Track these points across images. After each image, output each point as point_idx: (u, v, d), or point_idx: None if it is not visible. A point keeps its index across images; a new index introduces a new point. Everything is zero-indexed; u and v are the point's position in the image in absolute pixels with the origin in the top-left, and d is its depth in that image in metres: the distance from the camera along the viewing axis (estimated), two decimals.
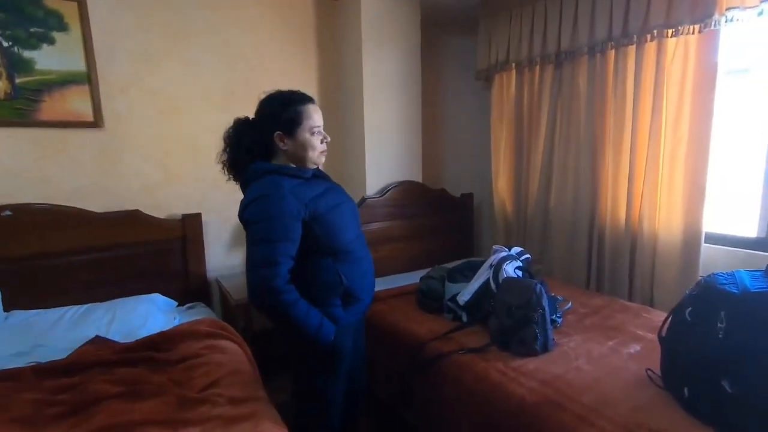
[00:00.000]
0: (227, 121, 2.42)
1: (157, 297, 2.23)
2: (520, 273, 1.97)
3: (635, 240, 2.22)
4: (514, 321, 1.69)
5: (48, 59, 1.99)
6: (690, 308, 1.28)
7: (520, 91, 2.74)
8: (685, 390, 1.28)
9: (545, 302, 1.68)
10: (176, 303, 2.29)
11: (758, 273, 1.27)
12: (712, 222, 2.06)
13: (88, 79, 2.07)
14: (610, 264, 2.35)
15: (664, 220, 2.10)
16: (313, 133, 1.35)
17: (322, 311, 1.34)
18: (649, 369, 1.46)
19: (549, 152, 2.60)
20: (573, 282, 2.55)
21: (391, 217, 2.78)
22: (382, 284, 2.50)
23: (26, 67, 1.94)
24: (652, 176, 2.09)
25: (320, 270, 1.36)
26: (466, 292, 2.00)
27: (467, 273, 2.14)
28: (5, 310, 1.93)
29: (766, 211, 1.92)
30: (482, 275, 2.01)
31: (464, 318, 1.98)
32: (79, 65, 2.05)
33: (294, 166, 1.39)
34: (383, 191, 2.76)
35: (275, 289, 1.23)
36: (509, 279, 1.82)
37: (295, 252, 1.28)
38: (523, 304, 1.68)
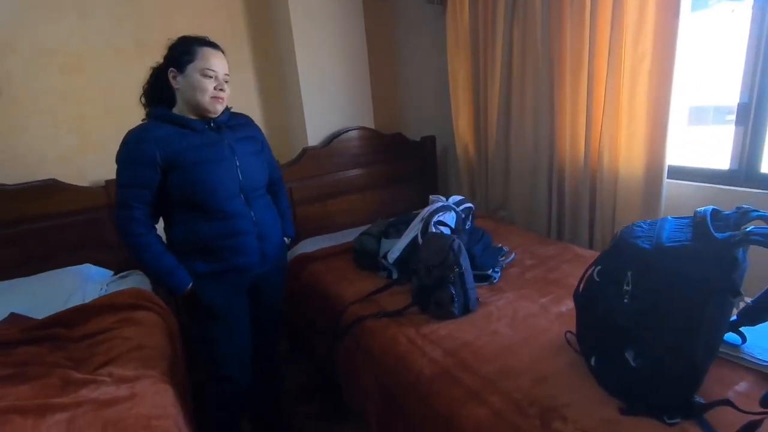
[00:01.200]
0: (143, 76, 2.25)
1: (89, 268, 2.15)
2: (451, 225, 1.76)
3: (595, 179, 1.96)
4: (432, 281, 1.51)
5: None
6: (599, 267, 1.07)
7: (475, 15, 2.37)
8: (593, 359, 1.10)
9: (463, 260, 1.49)
10: (111, 273, 2.22)
11: (685, 220, 1.03)
12: (679, 154, 1.77)
13: None
14: (571, 207, 2.10)
15: (624, 154, 1.81)
16: (205, 75, 1.28)
17: (182, 260, 1.34)
18: (570, 331, 1.28)
19: (507, 84, 2.27)
20: (535, 228, 2.33)
21: (339, 167, 2.57)
22: (330, 241, 2.35)
23: None
24: (613, 101, 1.78)
25: (178, 221, 1.34)
26: (395, 249, 1.82)
27: (401, 227, 1.96)
28: None
29: (741, 138, 1.61)
30: (412, 230, 1.82)
31: (394, 275, 1.82)
32: None
33: (184, 115, 1.33)
34: (328, 141, 2.53)
35: (128, 232, 1.28)
36: (429, 235, 1.63)
37: (151, 198, 1.29)
38: (439, 263, 1.49)
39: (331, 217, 2.57)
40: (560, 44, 1.97)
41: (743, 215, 0.96)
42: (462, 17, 2.44)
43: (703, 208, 0.98)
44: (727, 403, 0.91)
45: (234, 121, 1.45)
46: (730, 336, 1.15)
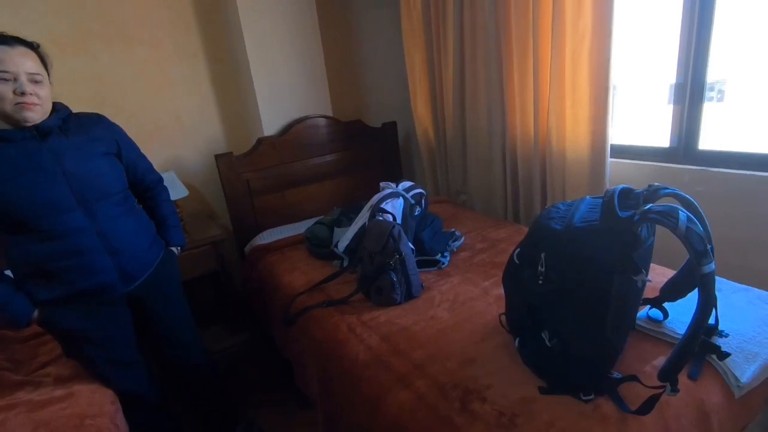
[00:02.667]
0: (88, 70, 2.19)
1: None
2: (399, 212, 1.75)
3: (545, 160, 1.96)
4: (374, 268, 1.51)
5: None
6: (519, 249, 1.07)
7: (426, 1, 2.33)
8: (516, 340, 1.11)
9: (403, 246, 1.49)
10: None
11: (599, 201, 1.03)
12: (622, 133, 1.78)
13: None
14: (524, 189, 2.11)
15: (570, 134, 1.81)
16: None
17: (23, 288, 1.21)
18: (504, 313, 1.29)
19: (460, 68, 2.25)
20: (493, 211, 2.34)
21: (297, 157, 2.53)
22: (289, 231, 2.34)
23: None
24: (558, 82, 1.77)
25: (10, 245, 1.20)
26: (344, 238, 1.82)
27: (353, 216, 1.95)
28: None
29: (678, 117, 1.62)
30: (361, 218, 1.81)
31: (345, 264, 1.82)
32: None
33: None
34: (285, 130, 2.49)
35: None
36: (373, 222, 1.62)
37: None
38: (380, 249, 1.49)
39: (291, 207, 2.55)
40: (506, 27, 1.95)
41: (653, 193, 0.97)
42: (415, 1, 2.40)
43: (614, 187, 0.99)
44: (634, 378, 0.93)
45: (74, 122, 1.26)
46: (654, 312, 1.17)
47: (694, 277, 0.92)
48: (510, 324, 1.19)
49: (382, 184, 1.92)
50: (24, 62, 1.11)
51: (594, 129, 1.73)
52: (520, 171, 2.09)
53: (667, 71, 1.63)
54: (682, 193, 0.96)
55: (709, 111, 1.58)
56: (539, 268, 0.98)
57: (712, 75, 1.54)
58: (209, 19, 2.41)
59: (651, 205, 0.87)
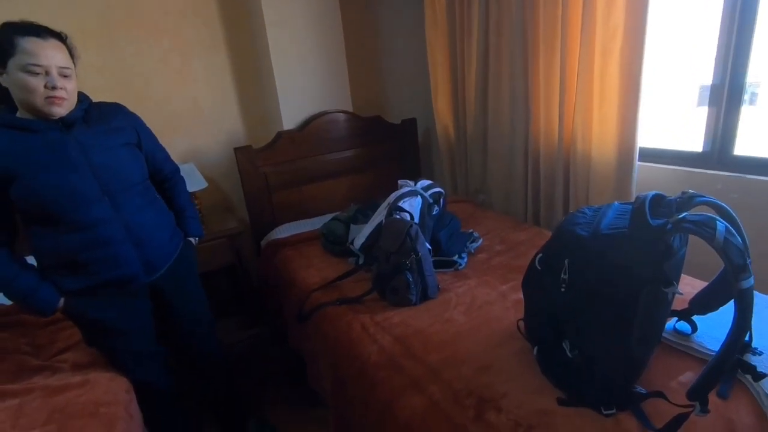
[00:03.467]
0: (111, 60, 2.21)
1: None
2: (417, 211, 1.72)
3: (568, 161, 1.90)
4: (390, 268, 1.49)
5: None
6: (540, 254, 1.03)
7: None
8: (535, 349, 1.07)
9: (420, 246, 1.46)
10: None
11: (628, 207, 0.98)
12: (652, 136, 1.71)
13: None
14: (545, 190, 2.05)
15: (597, 135, 1.75)
16: (29, 72, 1.07)
17: (49, 277, 1.23)
18: (522, 319, 1.25)
19: (483, 64, 2.20)
20: (512, 212, 2.29)
21: (315, 152, 2.52)
22: (305, 227, 2.33)
23: None
24: (585, 80, 1.70)
25: (36, 236, 1.21)
26: (361, 235, 1.80)
27: (369, 213, 1.93)
28: None
29: (713, 120, 1.54)
30: (378, 216, 1.79)
31: (361, 262, 1.80)
32: None
33: (23, 116, 1.15)
34: (304, 124, 2.48)
35: None
36: (389, 221, 1.59)
37: None
38: (396, 249, 1.47)
39: (308, 202, 2.54)
40: (533, 20, 1.89)
41: (687, 200, 0.92)
42: None
43: (645, 193, 0.94)
44: (660, 395, 0.89)
45: (94, 113, 1.25)
46: (682, 325, 1.12)
47: (727, 291, 0.87)
48: (528, 331, 1.15)
49: (400, 181, 1.89)
50: (55, 55, 1.11)
51: (622, 130, 1.66)
52: (542, 172, 2.03)
53: (699, 72, 1.55)
54: (719, 202, 0.90)
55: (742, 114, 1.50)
56: (562, 275, 0.94)
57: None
58: (232, 10, 2.40)
59: (685, 213, 0.82)
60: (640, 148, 1.65)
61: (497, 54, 2.12)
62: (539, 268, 1.02)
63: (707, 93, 2.13)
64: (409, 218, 1.56)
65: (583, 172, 1.84)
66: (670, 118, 1.88)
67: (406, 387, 1.11)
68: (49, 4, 2.04)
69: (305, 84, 2.44)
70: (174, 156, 2.38)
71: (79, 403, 1.23)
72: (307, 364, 1.73)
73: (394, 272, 1.46)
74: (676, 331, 1.11)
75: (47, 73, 1.10)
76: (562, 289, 0.94)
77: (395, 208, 1.61)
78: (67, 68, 1.15)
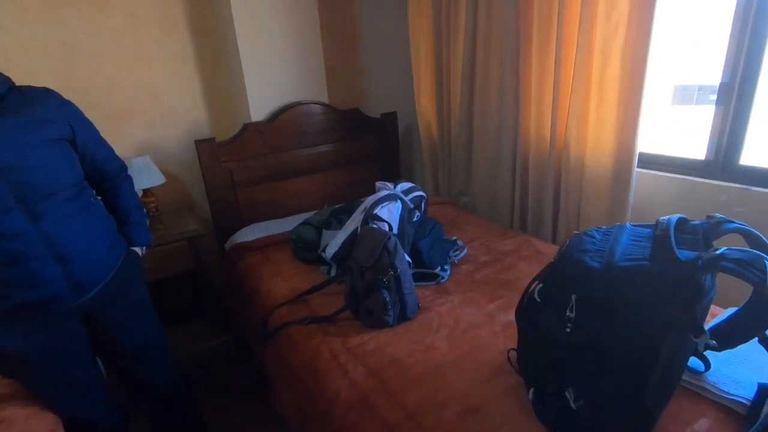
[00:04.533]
0: (54, 36, 1.94)
1: None
2: (396, 217, 1.55)
3: (560, 165, 1.76)
4: (365, 285, 1.32)
5: None
6: (541, 284, 0.88)
7: None
8: (531, 391, 0.92)
9: (399, 262, 1.29)
10: None
11: (646, 231, 0.84)
12: (652, 141, 1.58)
13: None
14: (534, 196, 1.91)
15: (592, 139, 1.61)
16: None
17: None
18: (514, 349, 1.10)
19: (470, 56, 2.03)
20: (497, 217, 2.15)
21: (287, 146, 2.31)
22: (274, 228, 2.13)
23: None
24: (582, 79, 1.56)
25: None
26: (333, 243, 1.62)
27: (344, 217, 1.75)
28: None
29: (719, 125, 1.42)
30: (353, 222, 1.61)
31: (332, 272, 1.62)
32: None
33: None
34: (274, 116, 2.27)
35: None
36: (365, 230, 1.42)
37: None
38: (372, 264, 1.29)
39: (277, 201, 2.34)
40: (527, 14, 1.73)
41: (715, 227, 0.78)
42: None
43: (667, 217, 0.79)
44: None
45: (15, 100, 1.04)
46: (694, 362, 0.99)
47: (753, 327, 0.73)
48: (523, 368, 1.00)
49: (378, 184, 1.71)
50: None
51: (621, 135, 1.53)
52: (531, 177, 1.89)
53: (674, 70, 1.43)
54: (752, 230, 0.76)
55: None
56: (568, 312, 0.79)
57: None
58: None
59: (724, 249, 0.67)
60: (639, 153, 1.52)
61: (486, 46, 1.95)
62: (539, 300, 0.87)
63: (683, 92, 2.04)
64: (387, 228, 1.38)
65: (576, 178, 1.70)
66: (660, 121, 1.75)
67: None
68: None
69: (276, 71, 2.22)
70: (127, 148, 2.15)
71: None
72: (270, 384, 1.55)
73: (370, 290, 1.29)
74: (687, 369, 0.97)
75: None
76: (568, 329, 0.79)
77: (371, 216, 1.44)
78: None
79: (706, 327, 0.93)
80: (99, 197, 1.30)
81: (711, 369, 0.97)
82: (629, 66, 1.44)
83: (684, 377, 0.96)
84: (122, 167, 1.35)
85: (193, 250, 2.04)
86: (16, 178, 0.99)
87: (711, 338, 0.88)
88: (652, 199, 1.58)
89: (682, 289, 0.69)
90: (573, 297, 0.78)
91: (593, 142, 1.61)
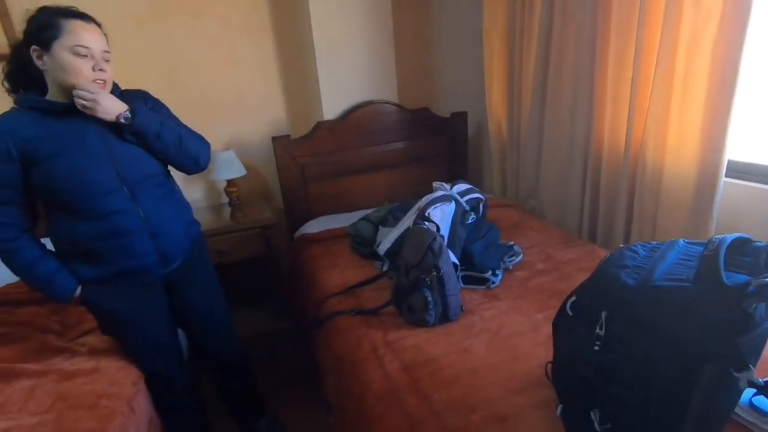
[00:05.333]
0: (160, 45, 2.23)
1: None
2: (449, 218, 1.55)
3: (635, 171, 1.61)
4: (408, 283, 1.35)
5: None
6: (574, 297, 0.84)
7: None
8: (559, 408, 0.88)
9: (444, 263, 1.30)
10: None
11: (698, 249, 0.76)
12: (743, 147, 1.39)
13: None
14: (606, 203, 1.78)
15: (673, 143, 1.46)
16: (76, 54, 1.07)
17: (66, 265, 1.22)
18: (552, 362, 1.06)
19: (544, 51, 1.93)
20: (566, 223, 2.03)
21: (356, 144, 2.40)
22: (339, 222, 2.24)
23: None
24: (664, 77, 1.41)
25: (55, 222, 1.20)
26: (386, 240, 1.67)
27: (400, 215, 1.79)
28: None
29: None
30: (407, 220, 1.65)
31: (385, 268, 1.67)
32: None
33: (51, 99, 1.14)
34: (345, 114, 2.37)
35: None
36: (413, 230, 1.44)
37: (17, 197, 1.14)
38: (417, 263, 1.32)
39: (345, 195, 2.44)
40: (606, 7, 1.61)
41: None
42: None
43: (723, 236, 0.71)
44: None
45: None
46: (761, 401, 0.87)
47: None
48: (555, 382, 0.96)
49: (435, 184, 1.73)
50: (99, 39, 1.13)
51: (707, 140, 1.36)
52: (603, 184, 1.75)
53: None
54: None
55: None
56: (597, 329, 0.75)
57: None
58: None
59: None
60: (728, 161, 1.34)
61: (561, 42, 1.85)
62: (571, 314, 0.83)
63: None
64: (435, 229, 1.39)
65: (653, 187, 1.55)
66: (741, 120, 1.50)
67: (405, 426, 0.97)
68: None
69: (349, 72, 2.32)
70: (215, 142, 2.38)
71: (82, 393, 1.23)
72: (318, 370, 1.65)
73: (412, 288, 1.31)
74: (752, 407, 0.86)
75: (92, 57, 1.10)
76: (596, 347, 0.75)
77: (422, 216, 1.46)
78: (108, 53, 1.16)
79: None
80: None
81: None
82: (720, 63, 1.28)
83: (746, 416, 0.85)
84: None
85: (266, 238, 2.22)
86: (122, 164, 1.19)
87: None
88: (744, 215, 1.39)
89: (725, 318, 0.62)
90: (603, 314, 0.74)
91: (674, 147, 1.45)
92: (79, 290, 1.26)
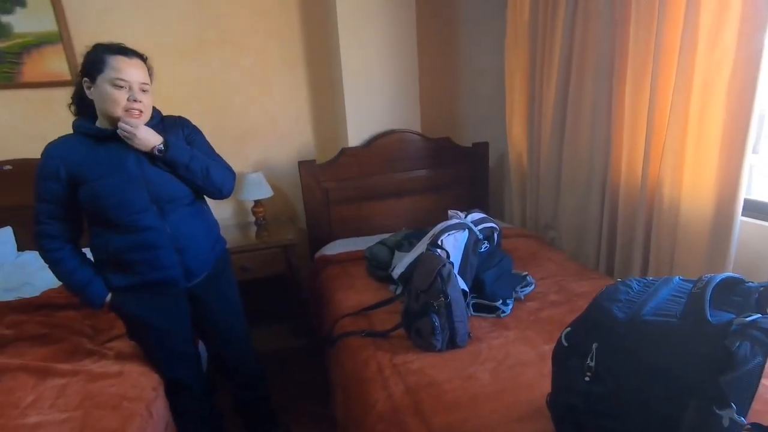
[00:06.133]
0: (201, 74, 2.42)
1: None
2: (461, 246, 1.59)
3: (652, 207, 1.62)
4: (417, 307, 1.38)
5: (23, 22, 2.11)
6: (569, 329, 0.86)
7: (535, 9, 2.10)
8: None
9: (452, 290, 1.33)
10: None
11: (689, 287, 0.77)
12: (760, 186, 1.38)
13: (61, 38, 2.17)
14: (623, 237, 1.78)
15: (689, 180, 1.47)
16: (115, 85, 1.21)
17: (100, 273, 1.36)
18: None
19: (563, 87, 1.98)
20: (583, 255, 2.02)
21: (379, 170, 2.49)
22: (358, 245, 2.30)
23: (5, 31, 2.10)
24: (679, 115, 1.44)
25: (93, 234, 1.34)
26: (400, 264, 1.71)
27: (414, 241, 1.84)
28: (19, 249, 2.26)
29: None
30: (420, 246, 1.69)
31: (398, 291, 1.72)
32: (52, 25, 2.15)
33: (100, 126, 1.29)
34: (369, 142, 2.47)
35: (40, 247, 1.31)
36: (425, 255, 1.48)
37: (61, 212, 1.29)
38: (426, 288, 1.36)
39: (366, 220, 2.52)
40: (622, 47, 1.66)
41: None
42: (522, 12, 2.18)
43: (712, 275, 0.73)
44: None
45: (159, 128, 1.35)
46: None
47: None
48: (553, 412, 0.97)
49: (450, 212, 1.77)
50: (138, 72, 1.25)
51: (723, 178, 1.36)
52: (621, 217, 1.76)
53: None
54: None
55: None
56: (588, 361, 0.77)
57: None
58: (313, 28, 2.48)
59: (759, 316, 0.61)
60: (744, 199, 1.34)
61: (579, 79, 1.90)
62: (566, 344, 0.85)
63: None
64: (445, 256, 1.43)
65: (670, 222, 1.55)
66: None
67: None
68: (153, 28, 2.28)
69: (374, 102, 2.43)
70: (246, 165, 2.54)
71: (108, 394, 1.32)
72: (331, 389, 1.68)
73: (421, 313, 1.35)
74: None
75: (130, 88, 1.23)
76: (587, 378, 0.77)
77: (434, 243, 1.50)
78: (146, 84, 1.28)
79: None
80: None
81: None
82: (735, 105, 1.29)
83: None
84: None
85: (288, 257, 2.31)
86: (153, 187, 1.32)
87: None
88: (761, 254, 1.37)
89: (708, 354, 0.63)
90: (594, 345, 0.76)
91: (690, 184, 1.46)
92: (109, 297, 1.37)
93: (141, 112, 1.26)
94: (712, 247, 1.42)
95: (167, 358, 1.49)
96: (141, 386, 1.39)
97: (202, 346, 1.70)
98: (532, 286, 1.65)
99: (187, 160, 1.35)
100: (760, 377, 0.68)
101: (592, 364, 0.76)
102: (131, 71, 1.23)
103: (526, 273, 1.74)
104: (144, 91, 1.27)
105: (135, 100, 1.23)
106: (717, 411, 0.63)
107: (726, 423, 0.62)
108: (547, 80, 2.08)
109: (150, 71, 1.33)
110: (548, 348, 1.31)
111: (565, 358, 0.85)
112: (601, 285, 1.65)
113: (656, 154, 1.57)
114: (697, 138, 1.42)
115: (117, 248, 1.32)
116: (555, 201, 2.19)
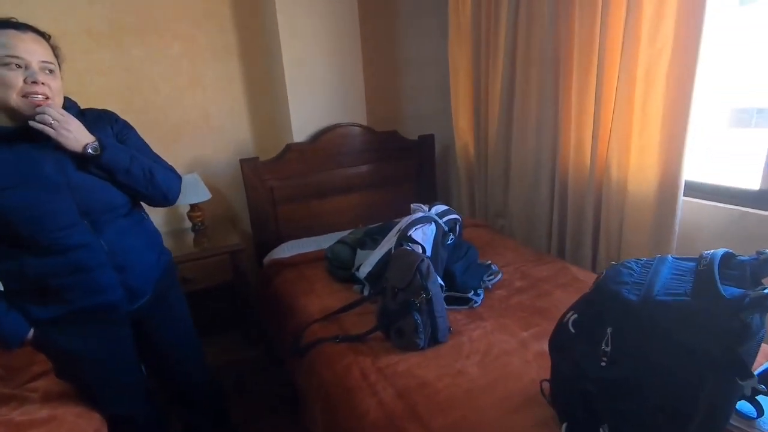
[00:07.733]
0: (120, 59, 2.12)
1: None
2: (430, 240, 1.56)
3: (601, 191, 1.72)
4: (396, 306, 1.33)
5: None
6: (575, 315, 0.86)
7: (477, 4, 2.13)
8: (564, 426, 0.89)
9: (432, 284, 1.30)
10: None
11: (689, 264, 0.81)
12: (700, 169, 1.52)
13: None
14: (573, 221, 1.87)
15: (635, 164, 1.57)
16: (5, 65, 0.95)
17: (15, 305, 1.09)
18: (547, 380, 1.07)
19: (509, 77, 2.04)
20: (534, 241, 2.11)
21: (326, 166, 2.38)
22: (310, 246, 2.18)
23: None
24: (625, 102, 1.53)
25: (3, 257, 1.06)
26: (367, 263, 1.64)
27: (378, 237, 1.77)
28: None
29: None
30: (387, 243, 1.64)
31: (365, 291, 1.64)
32: None
33: None
34: (315, 137, 2.35)
35: None
36: (399, 251, 1.44)
37: None
38: (405, 285, 1.31)
39: (315, 218, 2.41)
40: (567, 38, 1.73)
41: (764, 264, 0.74)
42: (464, 5, 2.21)
43: (712, 251, 0.76)
44: None
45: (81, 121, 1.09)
46: (744, 405, 0.93)
47: None
48: (554, 399, 0.97)
49: (413, 206, 1.73)
50: (36, 49, 1.00)
51: (665, 161, 1.48)
52: (570, 202, 1.85)
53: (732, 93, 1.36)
54: None
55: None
56: (603, 346, 0.77)
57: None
58: (246, 18, 2.30)
59: None
60: (684, 181, 1.46)
61: (525, 70, 1.96)
62: (573, 331, 0.85)
63: (741, 115, 1.94)
64: (420, 251, 1.39)
65: (617, 204, 1.65)
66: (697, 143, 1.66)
67: None
68: (53, 5, 1.95)
69: (318, 95, 2.32)
70: (178, 165, 2.23)
71: None
72: (301, 401, 1.57)
73: (401, 312, 1.30)
74: (737, 413, 0.91)
75: (27, 68, 0.98)
76: (603, 363, 0.77)
77: (405, 237, 1.45)
78: (50, 63, 1.03)
79: (758, 370, 0.88)
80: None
81: (765, 415, 0.90)
82: (674, 92, 1.40)
83: (735, 423, 0.90)
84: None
85: (234, 263, 2.13)
86: (80, 196, 1.08)
87: (761, 382, 0.83)
88: (700, 230, 1.51)
89: (726, 329, 0.66)
90: (608, 330, 0.76)
91: (636, 168, 1.56)
92: (31, 333, 1.12)
93: (47, 97, 1.01)
94: (657, 225, 1.54)
95: (109, 392, 1.27)
96: (80, 431, 1.17)
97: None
98: (499, 275, 1.68)
99: (128, 163, 1.13)
100: (761, 343, 0.72)
101: (608, 348, 0.76)
102: (26, 47, 0.97)
103: (490, 262, 1.76)
104: (50, 71, 1.02)
105: (35, 81, 0.98)
106: (740, 382, 0.66)
107: (748, 392, 0.65)
108: (493, 73, 2.12)
109: (56, 51, 1.08)
110: (527, 335, 1.34)
111: (571, 345, 0.85)
112: (560, 268, 1.74)
113: (603, 140, 1.66)
114: (641, 125, 1.52)
115: (37, 273, 1.06)
116: (504, 191, 2.26)
